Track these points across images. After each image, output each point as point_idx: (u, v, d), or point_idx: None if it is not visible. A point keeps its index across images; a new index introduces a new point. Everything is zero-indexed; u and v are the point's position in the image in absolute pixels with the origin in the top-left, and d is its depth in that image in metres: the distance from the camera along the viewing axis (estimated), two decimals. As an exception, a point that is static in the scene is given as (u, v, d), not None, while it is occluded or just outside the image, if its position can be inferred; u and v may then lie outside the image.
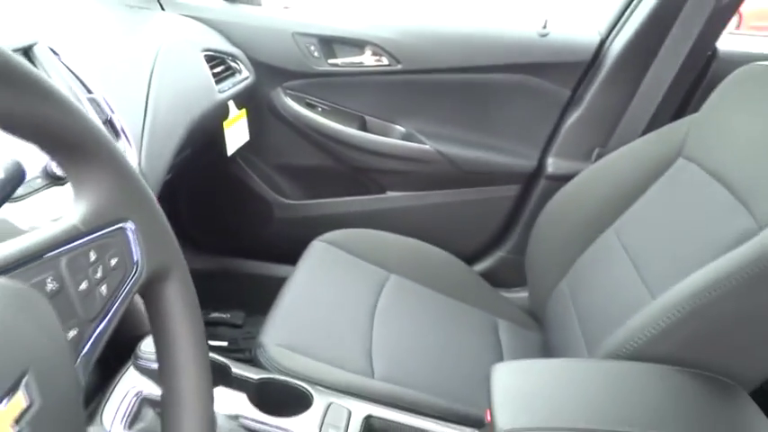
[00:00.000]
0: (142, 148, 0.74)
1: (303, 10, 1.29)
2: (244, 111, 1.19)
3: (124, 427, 0.62)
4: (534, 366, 0.69)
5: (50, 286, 0.29)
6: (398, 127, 1.29)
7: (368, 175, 1.33)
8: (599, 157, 1.16)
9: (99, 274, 0.33)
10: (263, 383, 0.72)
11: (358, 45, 1.24)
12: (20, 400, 0.24)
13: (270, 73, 1.25)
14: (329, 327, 0.91)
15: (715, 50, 1.16)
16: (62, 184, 0.56)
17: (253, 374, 0.73)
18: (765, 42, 1.03)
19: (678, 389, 0.62)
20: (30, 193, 0.54)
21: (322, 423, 0.68)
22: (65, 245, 0.31)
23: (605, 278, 0.89)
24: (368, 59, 1.24)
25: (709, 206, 0.78)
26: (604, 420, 0.57)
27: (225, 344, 1.29)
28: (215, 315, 1.35)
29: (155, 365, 0.59)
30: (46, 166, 0.53)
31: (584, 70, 1.20)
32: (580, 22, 1.28)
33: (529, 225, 1.15)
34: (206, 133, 1.05)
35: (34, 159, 0.53)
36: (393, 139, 1.28)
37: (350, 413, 0.71)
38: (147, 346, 0.61)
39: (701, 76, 1.16)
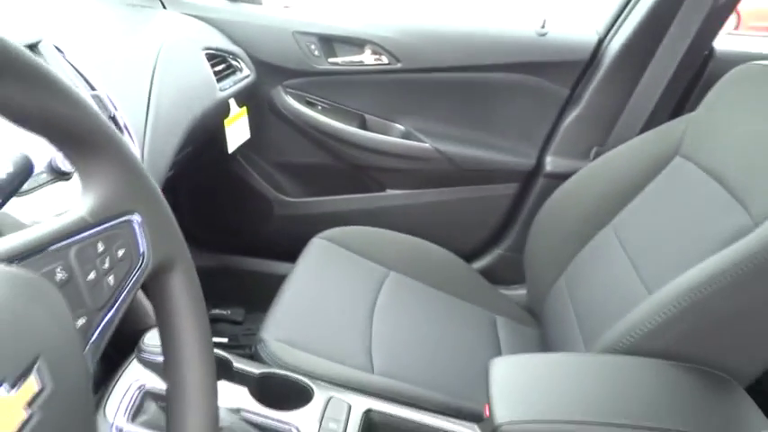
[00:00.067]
0: (144, 145, 0.75)
1: (303, 9, 1.30)
2: (244, 109, 1.19)
3: (127, 420, 0.63)
4: (531, 360, 0.70)
5: (60, 276, 0.30)
6: (398, 125, 1.30)
7: (367, 173, 1.34)
8: (597, 155, 1.17)
9: (107, 265, 0.34)
10: (264, 378, 0.73)
11: (358, 44, 1.25)
12: (32, 385, 0.25)
13: (270, 71, 1.25)
14: (329, 323, 0.92)
15: (712, 50, 1.17)
16: (67, 180, 0.57)
17: (254, 369, 0.73)
18: (762, 42, 1.04)
19: (673, 383, 0.63)
20: (34, 188, 0.55)
21: (322, 417, 0.69)
22: (74, 236, 0.32)
23: (603, 275, 0.90)
24: (368, 58, 1.25)
25: (705, 203, 0.78)
26: (600, 413, 0.58)
27: (225, 340, 1.30)
28: (215, 312, 1.36)
29: (158, 358, 0.60)
30: (51, 162, 0.54)
31: (582, 69, 1.21)
32: (578, 21, 1.28)
33: (527, 223, 1.16)
34: (207, 131, 1.06)
35: (39, 154, 0.54)
36: (393, 137, 1.29)
37: (350, 407, 0.71)
38: (151, 339, 0.61)
39: (698, 75, 1.17)
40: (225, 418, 0.66)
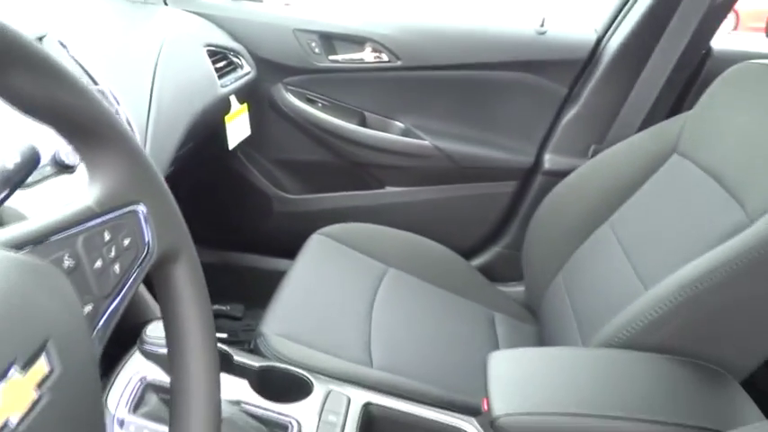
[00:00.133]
0: (147, 141, 0.76)
1: (304, 6, 1.30)
2: (245, 105, 1.20)
3: (128, 411, 0.64)
4: (529, 354, 0.71)
5: (67, 263, 0.31)
6: (398, 123, 1.31)
7: (367, 170, 1.35)
8: (595, 153, 1.17)
9: (113, 254, 0.34)
10: (264, 371, 0.73)
11: (358, 42, 1.25)
12: (42, 367, 0.26)
13: (271, 68, 1.26)
14: (328, 318, 0.93)
15: (710, 49, 1.18)
16: (70, 173, 0.57)
17: (254, 362, 0.74)
18: (759, 41, 1.05)
19: (668, 376, 0.64)
20: (38, 181, 0.55)
21: (322, 409, 0.70)
22: (81, 225, 0.32)
23: (600, 271, 0.91)
24: (368, 56, 1.26)
25: (702, 201, 0.79)
26: (595, 405, 0.59)
27: (224, 336, 1.31)
28: (215, 307, 1.36)
29: (160, 350, 0.61)
30: (55, 155, 0.55)
31: (580, 68, 1.22)
32: (577, 20, 1.29)
33: (526, 220, 1.17)
34: (208, 127, 1.06)
35: (44, 147, 0.54)
36: (392, 134, 1.30)
37: (349, 400, 0.72)
38: (153, 331, 0.62)
39: (695, 74, 1.18)
40: (225, 409, 0.67)
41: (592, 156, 1.21)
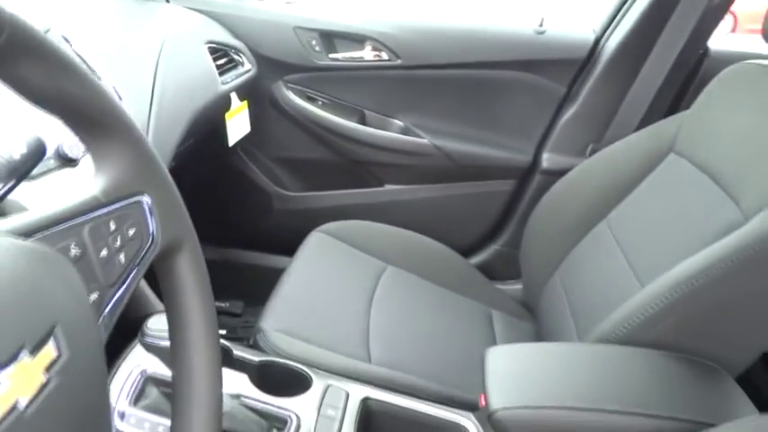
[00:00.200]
0: (148, 136, 0.76)
1: (305, 4, 1.31)
2: (245, 103, 1.21)
3: (129, 404, 0.64)
4: (526, 349, 0.71)
5: (74, 252, 0.31)
6: (397, 121, 1.32)
7: (366, 168, 1.36)
8: (593, 152, 1.18)
9: (118, 243, 0.35)
10: (264, 365, 0.74)
11: (358, 40, 1.26)
12: (50, 351, 0.26)
13: (271, 66, 1.26)
14: (328, 314, 0.94)
15: (707, 49, 1.19)
16: (73, 166, 0.58)
17: (254, 357, 0.75)
18: (756, 41, 1.06)
19: (664, 371, 0.64)
20: (41, 174, 0.56)
21: (321, 404, 0.70)
22: (87, 214, 0.33)
23: (597, 269, 0.92)
24: (368, 54, 1.26)
25: (698, 199, 0.80)
26: (591, 400, 0.60)
27: (224, 332, 1.31)
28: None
29: (161, 342, 0.61)
30: (58, 148, 0.55)
31: (579, 67, 1.23)
32: (576, 20, 1.30)
33: (524, 219, 1.17)
34: (208, 124, 1.07)
35: (48, 140, 0.55)
36: (392, 133, 1.31)
37: (348, 395, 0.73)
38: (154, 324, 0.62)
39: (693, 74, 1.19)
40: (225, 403, 0.67)
41: (590, 155, 1.22)
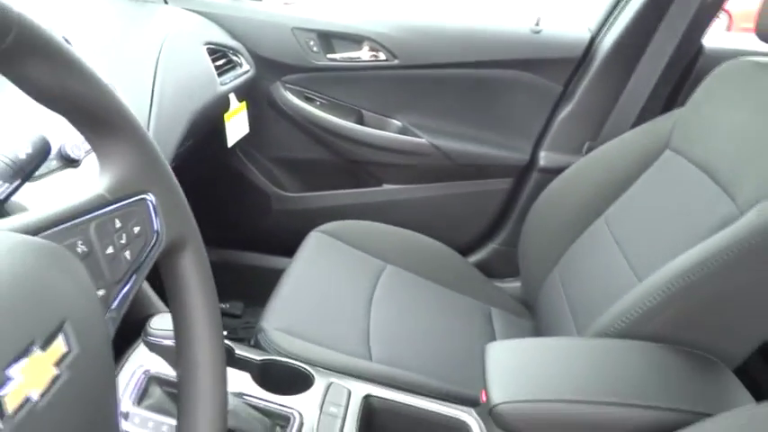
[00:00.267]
0: (148, 137, 0.77)
1: (303, 6, 1.31)
2: (244, 103, 1.21)
3: (133, 404, 0.64)
4: (526, 344, 0.72)
5: (81, 249, 0.32)
6: (395, 121, 1.32)
7: (365, 168, 1.36)
8: (589, 150, 1.19)
9: (123, 241, 0.35)
10: (266, 364, 0.74)
11: (356, 40, 1.26)
12: (60, 346, 0.27)
13: (270, 67, 1.27)
14: (328, 313, 0.94)
15: (701, 47, 1.20)
16: (75, 167, 0.58)
17: (255, 356, 0.75)
18: (749, 39, 1.07)
19: (661, 364, 0.65)
20: (43, 175, 0.56)
21: (323, 401, 0.71)
22: (93, 212, 0.33)
23: (595, 266, 0.93)
24: (365, 55, 1.27)
25: (694, 195, 0.81)
26: (590, 392, 0.60)
27: (224, 333, 1.31)
28: (214, 306, 1.37)
29: (164, 341, 0.62)
30: (60, 149, 0.55)
31: (575, 66, 1.24)
32: (571, 19, 1.31)
33: (521, 217, 1.18)
34: (208, 125, 1.07)
35: (50, 140, 0.55)
36: (390, 132, 1.31)
37: (350, 392, 0.73)
38: (157, 324, 0.63)
39: (687, 71, 1.20)
40: (229, 401, 0.68)
41: (586, 152, 1.22)
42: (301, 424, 0.67)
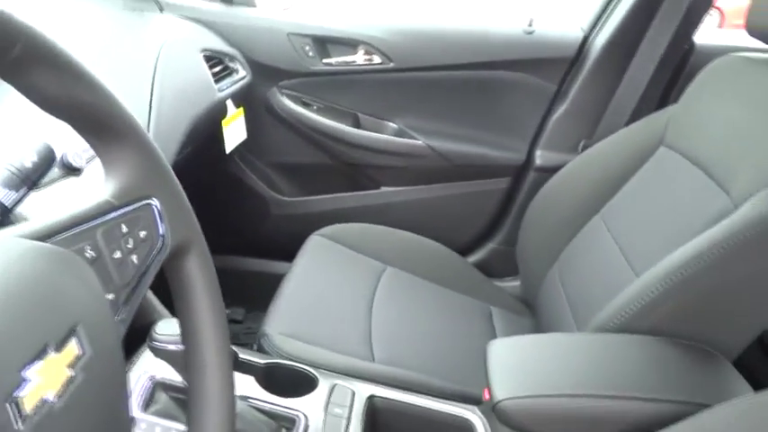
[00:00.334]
0: (148, 144, 0.77)
1: (298, 11, 1.32)
2: (241, 109, 1.22)
3: (140, 410, 0.65)
4: (526, 341, 0.73)
5: (89, 254, 0.32)
6: (391, 123, 1.33)
7: (362, 171, 1.37)
8: (585, 148, 1.20)
9: (130, 245, 0.36)
10: (270, 367, 0.75)
11: (351, 44, 1.27)
12: (73, 348, 0.27)
13: (266, 72, 1.28)
14: (329, 316, 0.95)
15: (692, 44, 1.21)
16: (77, 176, 0.59)
17: (259, 359, 0.75)
18: (739, 35, 1.09)
19: (660, 356, 0.66)
20: (46, 184, 0.56)
21: (328, 403, 0.71)
22: (100, 217, 0.34)
23: (593, 262, 0.93)
24: (361, 58, 1.28)
25: (689, 190, 0.82)
26: (589, 386, 0.61)
27: (226, 338, 1.31)
28: (215, 311, 1.37)
29: (169, 346, 0.62)
30: (62, 157, 0.56)
31: (568, 65, 1.25)
32: (564, 19, 1.32)
33: (519, 216, 1.19)
34: (206, 131, 1.08)
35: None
36: (386, 135, 1.32)
37: (354, 393, 0.74)
38: (162, 329, 0.63)
39: (679, 68, 1.21)
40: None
41: (582, 151, 1.24)
42: (307, 425, 0.67)
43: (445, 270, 1.16)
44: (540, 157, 1.28)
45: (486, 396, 0.65)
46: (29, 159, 0.40)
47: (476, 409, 0.75)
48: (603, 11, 1.23)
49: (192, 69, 1.03)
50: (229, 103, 1.13)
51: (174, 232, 0.39)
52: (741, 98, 0.81)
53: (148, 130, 0.79)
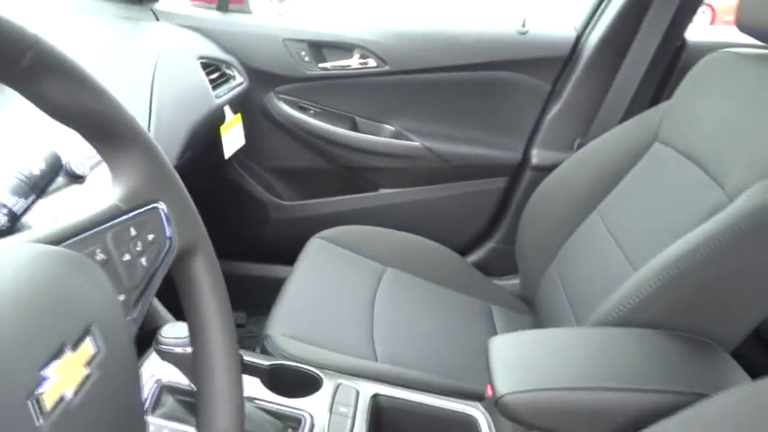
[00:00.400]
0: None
1: (294, 17, 1.34)
2: (239, 115, 1.23)
3: (147, 413, 0.65)
4: (527, 337, 0.74)
5: (100, 257, 0.33)
6: (388, 126, 1.34)
7: (360, 174, 1.38)
8: (580, 146, 1.21)
9: (139, 248, 0.37)
10: (275, 369, 0.76)
11: (346, 48, 1.29)
12: (89, 347, 0.28)
13: (263, 78, 1.29)
14: (332, 317, 0.95)
15: (684, 41, 1.23)
16: (81, 183, 0.59)
17: (263, 361, 0.76)
18: (730, 31, 1.10)
19: (659, 349, 0.67)
20: (51, 191, 0.57)
21: (332, 402, 0.72)
22: (109, 221, 0.35)
23: (591, 258, 0.94)
24: (356, 62, 1.29)
25: (684, 184, 0.83)
26: (589, 379, 0.62)
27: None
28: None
29: (175, 349, 0.63)
30: (66, 165, 0.57)
31: (562, 65, 1.26)
32: (557, 18, 1.34)
33: (517, 215, 1.20)
34: (204, 137, 1.08)
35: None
36: (383, 137, 1.33)
37: (358, 392, 0.74)
38: (168, 332, 0.64)
39: (672, 65, 1.23)
40: (240, 405, 0.69)
41: (577, 149, 1.25)
42: (312, 425, 0.68)
43: (445, 270, 1.17)
44: (537, 156, 1.29)
45: (489, 392, 0.65)
46: (37, 167, 0.41)
47: (479, 405, 0.76)
48: (596, 10, 1.25)
49: (189, 77, 1.04)
50: (227, 109, 1.14)
51: (180, 235, 0.40)
52: (733, 93, 0.82)
53: (148, 138, 0.80)
